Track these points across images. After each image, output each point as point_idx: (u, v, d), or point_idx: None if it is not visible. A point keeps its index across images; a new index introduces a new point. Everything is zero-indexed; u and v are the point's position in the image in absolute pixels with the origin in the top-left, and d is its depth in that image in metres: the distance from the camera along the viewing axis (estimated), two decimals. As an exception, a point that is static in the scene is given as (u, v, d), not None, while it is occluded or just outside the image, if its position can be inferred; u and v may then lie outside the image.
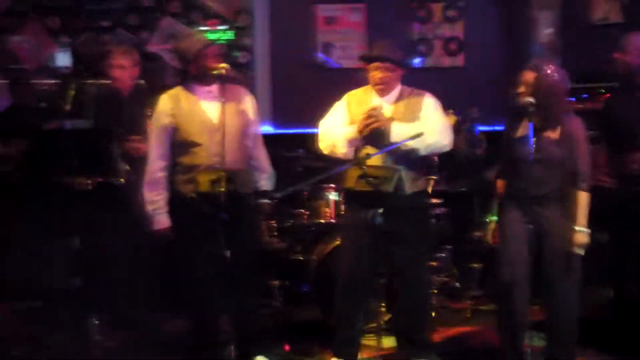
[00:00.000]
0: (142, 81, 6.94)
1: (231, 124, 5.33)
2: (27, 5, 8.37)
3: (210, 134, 5.32)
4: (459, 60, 8.37)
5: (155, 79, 7.55)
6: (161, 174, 5.45)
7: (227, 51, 8.30)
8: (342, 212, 6.06)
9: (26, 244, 6.91)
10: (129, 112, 6.22)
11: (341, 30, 8.35)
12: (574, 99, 6.50)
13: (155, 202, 5.44)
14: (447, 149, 5.54)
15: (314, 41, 8.36)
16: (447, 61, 8.39)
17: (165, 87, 5.84)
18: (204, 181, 5.23)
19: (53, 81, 8.01)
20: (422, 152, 5.40)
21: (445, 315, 6.83)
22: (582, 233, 5.24)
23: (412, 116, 5.43)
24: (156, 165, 5.45)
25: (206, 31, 8.30)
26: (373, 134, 5.32)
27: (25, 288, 6.90)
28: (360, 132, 5.33)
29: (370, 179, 5.20)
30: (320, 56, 8.32)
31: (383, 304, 5.91)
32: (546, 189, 5.28)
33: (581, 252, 5.23)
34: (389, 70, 5.46)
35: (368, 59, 5.52)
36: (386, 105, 5.49)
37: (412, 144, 5.28)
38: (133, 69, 6.43)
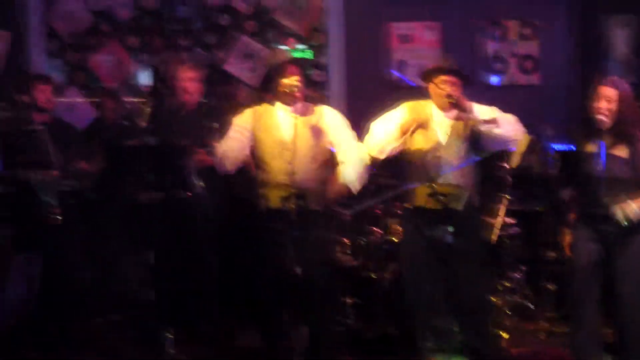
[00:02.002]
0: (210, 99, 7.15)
1: (304, 142, 5.40)
2: (108, 25, 8.57)
3: (283, 151, 5.40)
4: (534, 79, 8.32)
5: (230, 97, 7.68)
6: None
7: (304, 69, 8.38)
8: (401, 230, 6.04)
9: (104, 259, 7.07)
10: (195, 125, 6.34)
11: (416, 48, 8.36)
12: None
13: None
14: (521, 137, 5.54)
15: (388, 59, 8.39)
16: (522, 79, 8.34)
17: (239, 105, 5.96)
18: (274, 197, 5.31)
19: (134, 99, 8.19)
20: (491, 146, 5.37)
21: (519, 336, 6.75)
22: (632, 205, 5.13)
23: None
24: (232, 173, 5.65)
25: (284, 50, 8.42)
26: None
27: (104, 302, 7.06)
28: (402, 132, 5.37)
29: (441, 196, 5.21)
30: (394, 73, 8.34)
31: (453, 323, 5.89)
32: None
33: (624, 222, 5.13)
34: (456, 85, 5.47)
35: (439, 71, 5.52)
36: (447, 121, 5.51)
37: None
38: (199, 83, 6.56)
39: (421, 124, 5.42)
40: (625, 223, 5.12)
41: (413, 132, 5.39)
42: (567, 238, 5.61)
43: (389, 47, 8.38)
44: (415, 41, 8.38)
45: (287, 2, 8.51)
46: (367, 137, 5.62)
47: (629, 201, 5.13)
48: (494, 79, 8.39)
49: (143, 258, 5.91)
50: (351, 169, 5.57)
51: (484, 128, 5.30)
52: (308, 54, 8.56)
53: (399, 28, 8.39)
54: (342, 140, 5.62)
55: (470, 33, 8.36)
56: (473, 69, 8.18)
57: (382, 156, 5.58)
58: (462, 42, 8.29)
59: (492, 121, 5.26)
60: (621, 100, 5.19)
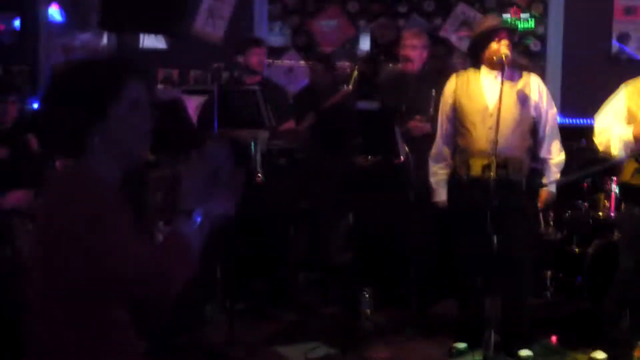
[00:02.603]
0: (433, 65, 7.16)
1: (509, 110, 5.35)
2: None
3: (485, 118, 5.38)
4: None
5: (444, 64, 7.67)
6: (446, 151, 5.63)
7: (520, 39, 8.28)
8: (621, 207, 5.86)
9: (311, 219, 7.29)
10: (415, 92, 6.39)
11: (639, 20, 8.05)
12: None
13: (439, 175, 5.65)
14: None
15: (609, 31, 8.12)
16: None
17: (453, 71, 5.97)
18: (475, 165, 5.30)
19: (349, 64, 8.34)
20: None
21: None
22: None
23: None
24: (441, 142, 5.68)
25: (507, 18, 8.32)
26: None
27: (309, 261, 7.29)
28: (636, 137, 5.17)
29: (647, 173, 5.04)
30: (618, 45, 8.07)
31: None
32: None
33: None
34: None
35: None
36: None
37: None
38: (423, 50, 6.58)
39: None
40: None
41: None
42: None
43: (610, 19, 8.10)
44: (640, 13, 8.07)
45: (509, -29, 8.40)
46: (594, 131, 5.46)
47: None
48: None
49: (345, 220, 6.06)
50: (551, 169, 5.51)
51: None
52: (530, 24, 8.42)
53: (623, -1, 8.11)
54: (545, 115, 5.52)
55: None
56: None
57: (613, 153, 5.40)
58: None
59: None
60: None
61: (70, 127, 2.42)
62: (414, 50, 6.51)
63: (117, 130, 2.43)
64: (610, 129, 5.32)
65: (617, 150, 5.27)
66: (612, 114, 5.37)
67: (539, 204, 5.61)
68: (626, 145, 5.23)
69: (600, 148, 5.40)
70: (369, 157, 6.34)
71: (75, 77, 2.48)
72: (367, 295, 6.24)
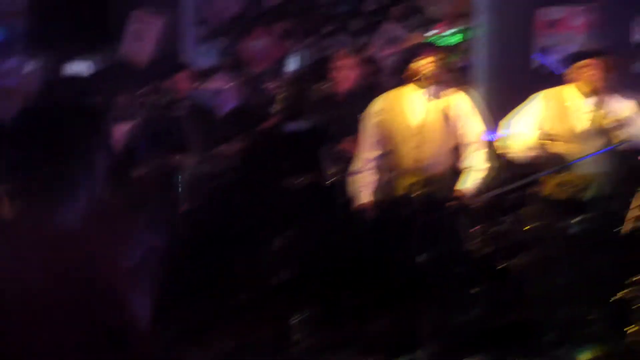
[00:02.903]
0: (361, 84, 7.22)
1: (435, 127, 5.40)
2: (256, 11, 8.76)
3: (411, 137, 5.41)
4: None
5: (372, 82, 7.70)
6: (369, 168, 5.63)
7: (446, 54, 8.37)
8: (541, 219, 5.95)
9: (240, 242, 7.26)
10: (345, 113, 6.41)
11: (563, 34, 8.18)
12: None
13: (361, 181, 5.64)
14: None
15: (535, 45, 8.24)
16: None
17: (381, 90, 5.99)
18: (401, 184, 5.32)
19: (278, 84, 8.36)
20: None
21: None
22: None
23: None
24: (364, 159, 5.65)
25: (433, 35, 8.42)
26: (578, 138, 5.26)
27: (239, 283, 7.25)
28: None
29: (571, 185, 5.11)
30: (539, 58, 8.20)
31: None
32: None
33: None
34: (601, 70, 5.34)
35: (584, 55, 5.41)
36: (587, 108, 5.39)
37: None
38: (352, 71, 6.61)
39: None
40: None
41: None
42: None
43: (536, 33, 8.23)
44: (563, 26, 8.19)
45: (433, -12, 8.50)
46: (508, 135, 5.56)
47: None
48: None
49: (278, 241, 6.03)
50: (473, 173, 5.53)
51: (612, 125, 5.19)
52: (456, 39, 8.51)
53: (548, 13, 8.22)
54: (471, 130, 5.58)
55: (622, 18, 8.11)
56: (624, 56, 7.95)
57: (531, 153, 5.52)
58: (613, 27, 8.05)
59: (623, 120, 5.12)
60: None
61: None
62: (343, 71, 6.53)
63: None
64: (521, 135, 5.47)
65: (521, 152, 5.53)
66: (524, 121, 5.47)
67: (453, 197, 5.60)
68: (530, 148, 5.47)
69: (511, 154, 5.49)
70: (300, 178, 6.33)
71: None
72: (304, 316, 6.23)
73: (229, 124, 7.39)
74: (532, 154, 5.40)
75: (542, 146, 5.44)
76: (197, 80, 7.16)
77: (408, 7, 8.51)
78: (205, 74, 8.56)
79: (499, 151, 5.59)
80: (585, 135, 5.37)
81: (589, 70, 5.35)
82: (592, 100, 5.40)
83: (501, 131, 5.57)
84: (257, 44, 8.80)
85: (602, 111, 5.34)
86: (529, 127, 5.47)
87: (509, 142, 5.52)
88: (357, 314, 6.42)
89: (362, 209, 5.65)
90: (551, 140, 5.39)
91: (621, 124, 5.17)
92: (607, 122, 5.31)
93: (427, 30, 8.46)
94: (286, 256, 6.43)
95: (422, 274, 5.18)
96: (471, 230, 6.59)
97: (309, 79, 8.29)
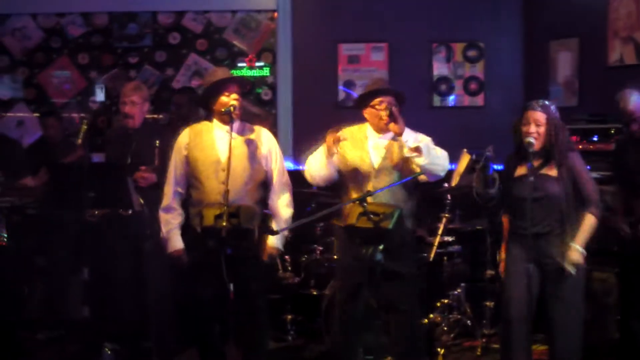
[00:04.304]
0: (161, 115, 7.26)
1: (240, 163, 5.42)
2: (58, 42, 8.62)
3: (217, 171, 5.43)
4: (479, 100, 8.45)
5: (190, 112, 7.70)
6: (176, 202, 5.62)
7: (253, 88, 8.50)
8: (340, 249, 6.12)
9: (46, 276, 7.11)
10: (138, 145, 6.40)
11: (363, 68, 8.47)
12: (583, 140, 6.58)
13: (170, 224, 5.61)
14: (442, 174, 5.60)
15: (336, 79, 8.49)
16: (467, 100, 8.47)
17: (193, 121, 6.00)
18: (208, 215, 5.31)
19: (80, 116, 8.25)
20: (424, 165, 5.44)
21: (456, 352, 6.85)
22: (577, 251, 5.25)
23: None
24: (171, 193, 5.62)
25: (238, 68, 8.52)
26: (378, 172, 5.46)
27: (46, 318, 7.08)
28: (329, 154, 5.47)
29: (372, 215, 5.24)
30: (344, 90, 8.44)
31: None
32: (546, 227, 5.32)
33: (573, 270, 5.23)
34: (392, 104, 5.54)
35: (374, 93, 5.60)
36: (382, 142, 5.59)
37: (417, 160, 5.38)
38: (143, 105, 6.59)
39: (344, 138, 5.47)
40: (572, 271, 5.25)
41: (337, 145, 5.42)
42: (502, 257, 5.71)
43: (337, 68, 8.48)
44: (363, 62, 8.49)
45: (238, 22, 8.60)
46: (304, 169, 5.70)
47: (571, 245, 5.25)
48: (440, 100, 8.49)
49: (81, 275, 5.93)
50: (280, 223, 5.64)
51: (408, 155, 5.40)
52: (265, 72, 8.65)
53: (347, 49, 8.50)
54: (275, 167, 5.66)
55: (417, 54, 8.47)
56: (419, 90, 8.31)
57: (322, 184, 5.69)
58: (409, 63, 8.40)
59: (417, 150, 5.34)
60: (549, 123, 5.31)
61: None
62: (134, 107, 6.47)
63: None
64: (314, 162, 5.62)
65: (315, 171, 5.61)
66: (320, 156, 5.62)
67: (264, 257, 5.64)
68: (320, 160, 5.54)
69: (308, 178, 5.66)
70: (101, 209, 6.23)
71: None
72: (109, 351, 6.14)
73: (34, 155, 7.23)
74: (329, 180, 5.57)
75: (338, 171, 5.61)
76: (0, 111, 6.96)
77: (214, 41, 8.58)
78: (7, 105, 8.35)
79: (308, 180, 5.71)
80: (383, 168, 5.55)
81: (381, 106, 5.54)
82: (387, 135, 5.59)
83: (305, 165, 5.68)
84: (60, 74, 8.65)
85: (398, 145, 5.52)
86: (318, 159, 5.61)
87: (307, 176, 5.66)
88: (167, 348, 6.41)
89: (175, 255, 5.62)
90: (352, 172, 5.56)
91: (417, 150, 5.36)
92: (402, 155, 5.50)
93: (232, 64, 8.58)
94: (90, 291, 6.32)
95: (230, 305, 5.18)
96: (283, 260, 6.73)
97: (114, 110, 8.25)
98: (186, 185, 5.63)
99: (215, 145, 5.53)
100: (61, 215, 6.75)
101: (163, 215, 5.65)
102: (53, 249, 6.92)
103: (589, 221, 5.30)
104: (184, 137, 5.64)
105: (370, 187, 5.47)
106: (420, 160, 5.37)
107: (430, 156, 5.40)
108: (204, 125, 5.66)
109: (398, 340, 5.63)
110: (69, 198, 6.03)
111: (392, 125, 5.45)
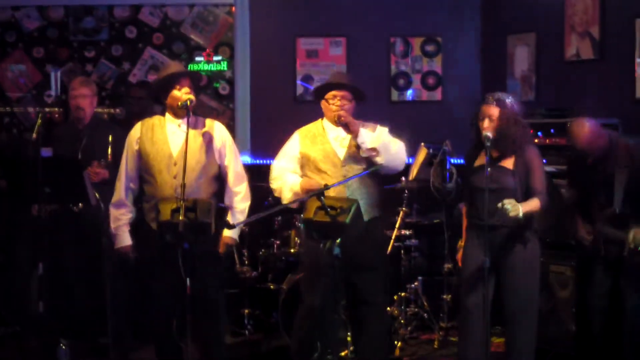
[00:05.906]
0: (118, 110, 7.22)
1: (194, 156, 5.38)
2: (13, 35, 8.52)
3: (170, 166, 5.39)
4: (436, 94, 8.46)
5: (140, 108, 7.64)
6: (127, 197, 5.58)
7: (210, 82, 8.46)
8: (302, 243, 6.12)
9: (4, 271, 7.05)
10: (89, 140, 6.36)
11: (321, 63, 8.45)
12: (541, 134, 6.61)
13: (119, 220, 5.57)
14: (400, 168, 5.64)
15: (294, 74, 8.46)
16: (425, 95, 8.48)
17: (149, 115, 5.93)
18: (165, 210, 5.26)
19: (35, 110, 8.16)
20: (383, 164, 5.47)
21: (414, 345, 6.88)
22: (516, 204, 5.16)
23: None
24: (123, 188, 5.58)
25: (196, 62, 8.46)
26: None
27: (5, 314, 7.02)
28: (304, 188, 5.47)
29: (329, 209, 5.23)
30: (302, 84, 8.42)
31: (349, 334, 6.00)
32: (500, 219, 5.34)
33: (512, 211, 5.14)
34: (347, 99, 5.56)
35: (330, 87, 5.61)
36: (342, 137, 5.59)
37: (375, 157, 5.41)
38: (92, 98, 6.56)
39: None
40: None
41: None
42: (461, 244, 5.74)
43: (295, 62, 8.45)
44: (322, 56, 8.47)
45: (195, 16, 8.55)
46: (270, 177, 5.69)
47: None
48: (398, 95, 8.49)
49: (36, 270, 5.85)
50: (236, 215, 5.62)
51: (365, 155, 5.43)
52: (222, 66, 8.60)
53: (305, 43, 8.47)
54: (229, 161, 5.63)
55: (375, 49, 8.47)
56: (377, 85, 8.30)
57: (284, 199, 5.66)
58: (367, 57, 8.40)
59: (373, 150, 5.38)
60: (502, 117, 5.33)
61: None
62: (84, 99, 6.46)
63: None
64: (283, 176, 5.64)
65: (287, 200, 5.58)
66: (285, 160, 5.66)
67: (220, 250, 5.62)
68: (295, 194, 5.54)
69: (275, 194, 5.67)
70: (54, 204, 6.17)
71: None
72: (64, 347, 6.09)
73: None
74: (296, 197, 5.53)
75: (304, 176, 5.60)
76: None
77: (171, 35, 8.52)
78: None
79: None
80: (341, 162, 5.55)
81: (336, 101, 5.55)
82: (344, 129, 5.60)
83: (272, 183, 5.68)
84: (15, 68, 8.55)
85: (355, 139, 5.52)
86: (291, 166, 5.62)
87: (274, 183, 5.65)
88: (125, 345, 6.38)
89: (123, 252, 5.58)
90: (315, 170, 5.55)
91: (373, 151, 5.40)
92: (360, 150, 5.50)
93: (189, 58, 8.52)
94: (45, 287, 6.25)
95: (187, 300, 5.14)
96: (240, 253, 6.71)
97: (66, 104, 8.16)
98: (138, 181, 5.58)
99: (167, 139, 5.48)
100: (16, 211, 6.67)
101: (113, 211, 5.60)
102: (8, 245, 6.85)
103: (534, 201, 5.30)
104: (136, 131, 5.59)
105: (341, 177, 5.47)
106: (378, 159, 5.41)
107: (388, 154, 5.45)
108: (156, 119, 5.61)
109: (372, 334, 5.64)
110: (22, 193, 5.96)
111: (344, 129, 5.51)
